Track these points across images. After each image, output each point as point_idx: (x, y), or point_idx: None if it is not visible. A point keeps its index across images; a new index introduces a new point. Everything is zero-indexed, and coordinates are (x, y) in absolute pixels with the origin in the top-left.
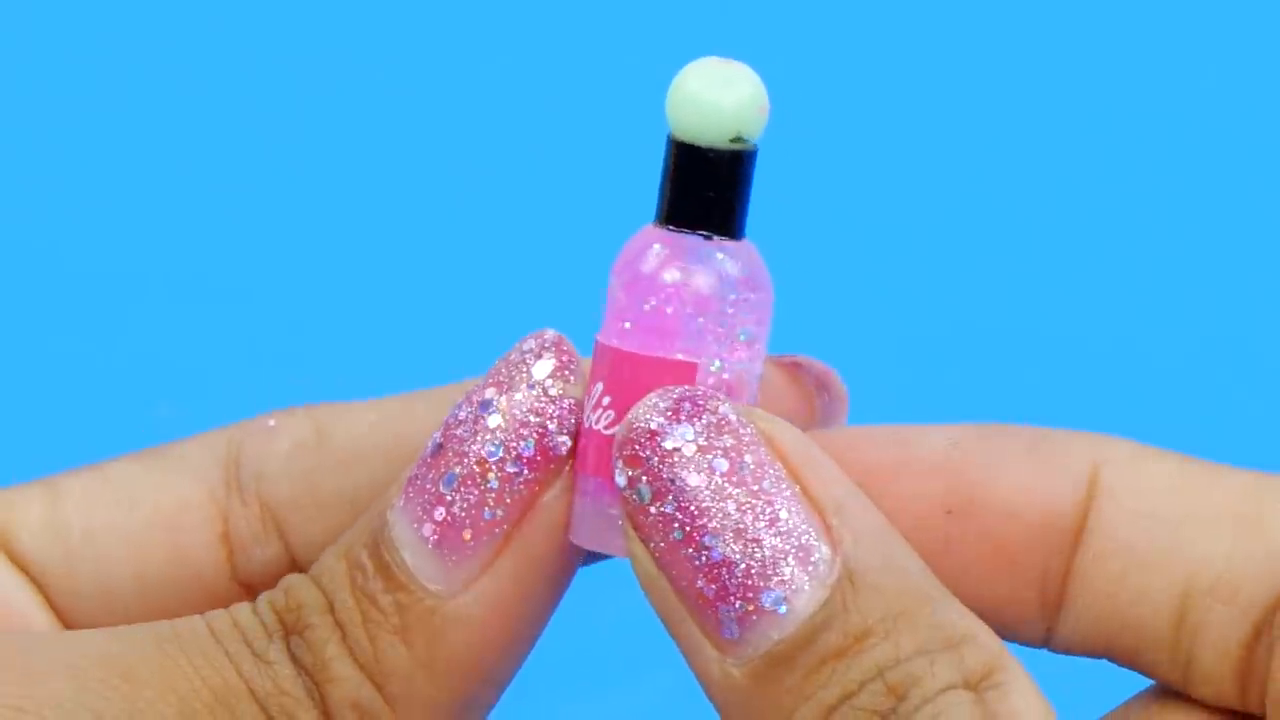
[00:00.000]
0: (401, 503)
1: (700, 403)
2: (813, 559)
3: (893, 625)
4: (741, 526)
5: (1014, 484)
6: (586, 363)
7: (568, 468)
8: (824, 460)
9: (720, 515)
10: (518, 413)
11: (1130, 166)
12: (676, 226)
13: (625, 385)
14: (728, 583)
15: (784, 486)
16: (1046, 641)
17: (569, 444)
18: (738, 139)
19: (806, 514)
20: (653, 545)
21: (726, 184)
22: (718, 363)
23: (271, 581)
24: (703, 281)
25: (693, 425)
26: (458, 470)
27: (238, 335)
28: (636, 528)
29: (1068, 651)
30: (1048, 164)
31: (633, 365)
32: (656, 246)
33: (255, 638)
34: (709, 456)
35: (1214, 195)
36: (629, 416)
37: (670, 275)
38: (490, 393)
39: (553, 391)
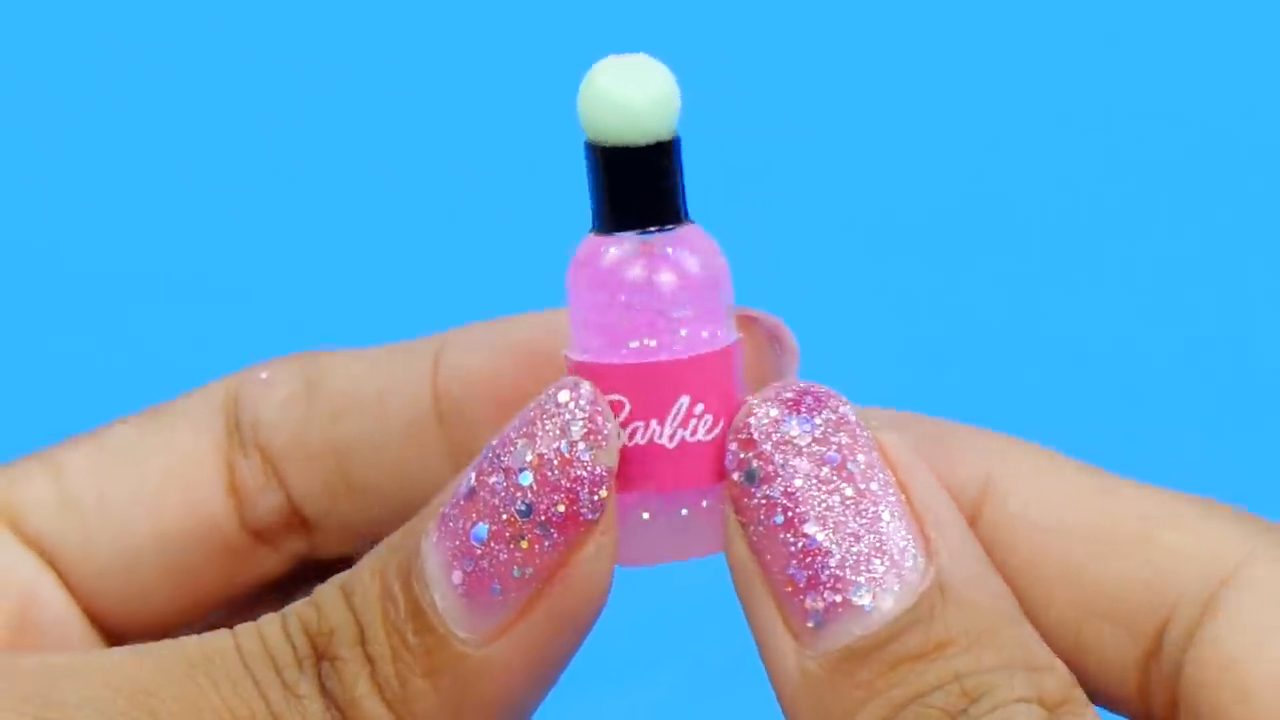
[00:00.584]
0: (435, 539)
1: (822, 399)
2: (907, 564)
3: (975, 640)
4: (843, 520)
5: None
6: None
7: (602, 529)
8: (929, 475)
9: (824, 505)
10: (550, 474)
11: (1125, 170)
12: (637, 229)
13: (717, 385)
14: (820, 572)
15: (890, 491)
16: None
17: (600, 511)
18: (656, 137)
19: (908, 521)
20: (752, 529)
21: (664, 177)
22: (735, 332)
23: (280, 531)
24: (705, 267)
25: (812, 418)
26: (488, 526)
27: (232, 337)
28: (739, 509)
29: None
30: (1039, 166)
31: (711, 364)
32: (612, 249)
33: (285, 665)
34: (823, 449)
35: (1207, 199)
36: (751, 402)
37: (668, 279)
38: (523, 444)
39: (585, 457)
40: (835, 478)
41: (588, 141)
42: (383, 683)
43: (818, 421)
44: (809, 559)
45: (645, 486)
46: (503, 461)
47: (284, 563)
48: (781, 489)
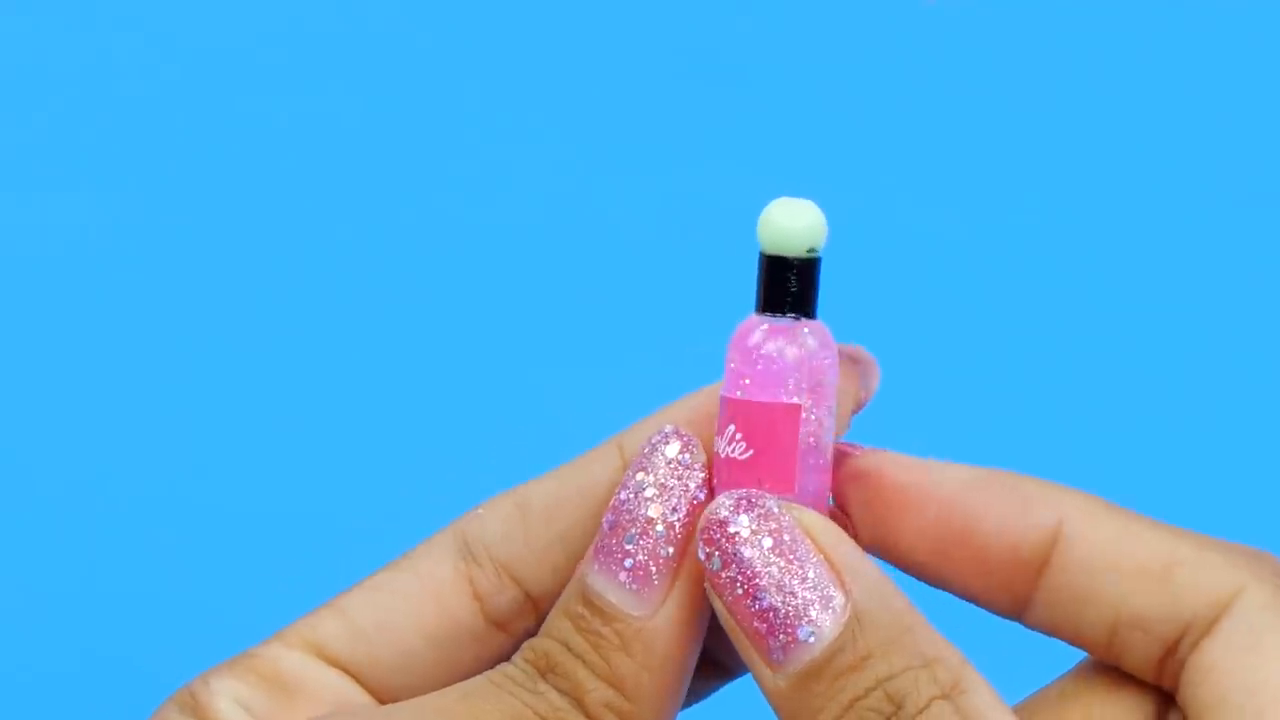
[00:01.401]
0: (596, 567)
1: (753, 500)
2: (831, 605)
3: (885, 649)
4: (782, 583)
5: (998, 524)
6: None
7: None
8: (840, 535)
9: (767, 576)
10: (665, 482)
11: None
12: (772, 313)
13: (753, 423)
14: (774, 623)
15: (811, 555)
16: (1019, 619)
17: (705, 494)
18: (810, 251)
19: (827, 574)
20: (724, 598)
21: (804, 282)
22: (809, 402)
23: (516, 617)
24: (793, 351)
25: (748, 515)
26: (634, 530)
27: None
28: (712, 586)
29: (1034, 629)
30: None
31: (756, 409)
32: (763, 327)
33: (525, 681)
34: (759, 536)
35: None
36: (707, 510)
37: (772, 347)
38: (640, 476)
39: (684, 461)
40: (771, 555)
41: (761, 252)
42: (594, 665)
43: (752, 516)
44: (765, 614)
45: (719, 483)
46: (630, 491)
47: (516, 640)
48: (736, 570)
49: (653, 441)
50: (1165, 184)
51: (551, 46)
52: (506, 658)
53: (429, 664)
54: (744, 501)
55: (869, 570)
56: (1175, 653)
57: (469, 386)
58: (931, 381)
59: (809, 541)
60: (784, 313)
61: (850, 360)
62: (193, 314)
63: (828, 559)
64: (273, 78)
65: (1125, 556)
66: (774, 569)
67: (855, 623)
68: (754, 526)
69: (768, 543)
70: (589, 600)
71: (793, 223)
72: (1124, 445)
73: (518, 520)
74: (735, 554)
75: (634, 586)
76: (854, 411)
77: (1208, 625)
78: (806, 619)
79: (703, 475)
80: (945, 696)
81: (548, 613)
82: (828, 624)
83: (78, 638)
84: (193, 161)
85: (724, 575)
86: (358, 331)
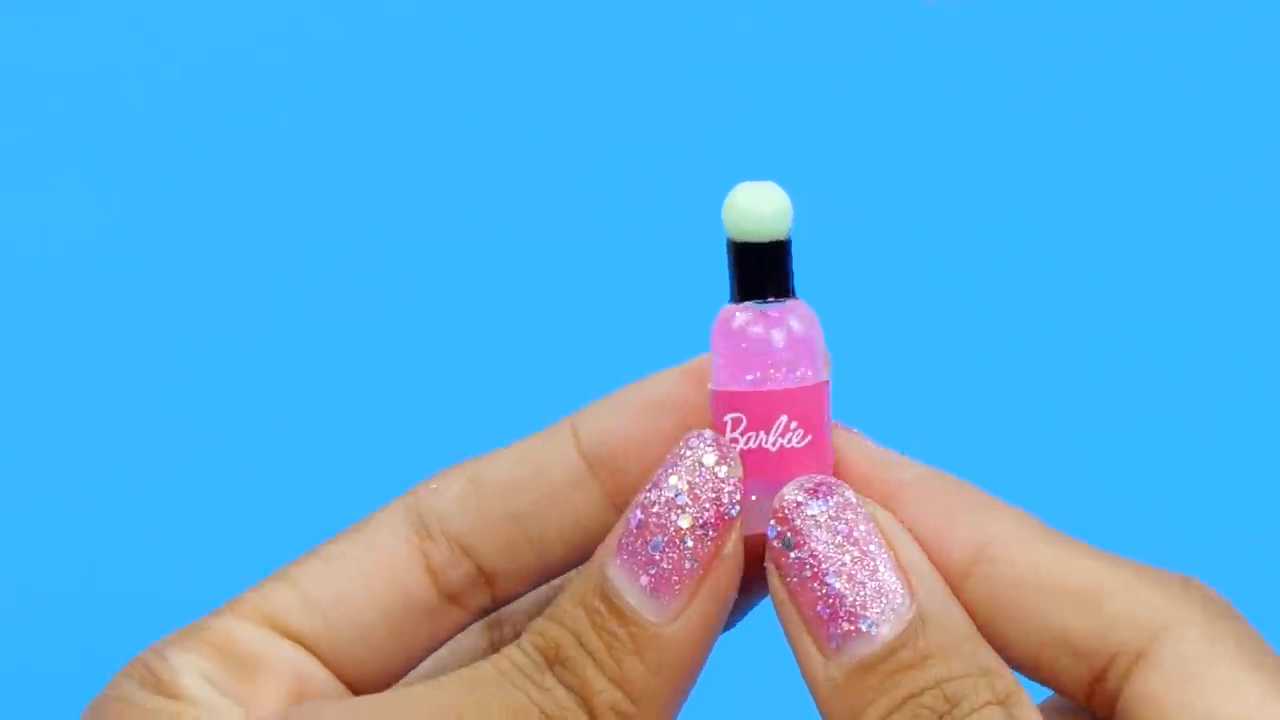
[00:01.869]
0: (619, 562)
1: (833, 487)
2: (897, 602)
3: (947, 653)
4: (852, 572)
5: (924, 530)
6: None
7: (739, 524)
8: (908, 536)
9: (838, 563)
10: (699, 493)
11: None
12: (755, 300)
13: (807, 409)
14: (838, 609)
15: (882, 550)
16: None
17: (738, 510)
18: (776, 235)
19: (896, 571)
20: (789, 579)
21: (780, 263)
22: (825, 376)
23: (470, 592)
24: (800, 329)
25: (826, 501)
26: (661, 539)
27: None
28: (779, 566)
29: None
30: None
31: (805, 394)
32: (749, 314)
33: (532, 672)
34: (836, 523)
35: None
36: (783, 491)
37: (779, 334)
38: (674, 480)
39: (720, 474)
40: (845, 543)
41: (729, 239)
42: (604, 666)
43: (831, 503)
44: (830, 600)
45: (755, 477)
46: (662, 494)
47: (472, 615)
48: (808, 552)
49: (689, 443)
50: (1156, 182)
51: (541, 44)
52: (461, 630)
53: (383, 637)
54: (824, 486)
55: (934, 575)
56: (1104, 680)
57: (451, 380)
58: (922, 377)
59: (881, 536)
60: (766, 298)
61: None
62: (184, 311)
63: (896, 557)
64: (262, 77)
65: (1056, 578)
66: (846, 557)
67: (919, 622)
68: (832, 513)
69: (843, 530)
70: (607, 596)
71: (759, 206)
72: (1108, 442)
73: (471, 495)
74: (809, 535)
75: (655, 593)
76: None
77: (1138, 654)
78: (872, 610)
79: (737, 491)
80: (1000, 703)
81: (503, 589)
82: (891, 619)
83: (78, 636)
84: (189, 161)
85: (793, 556)
86: (340, 326)
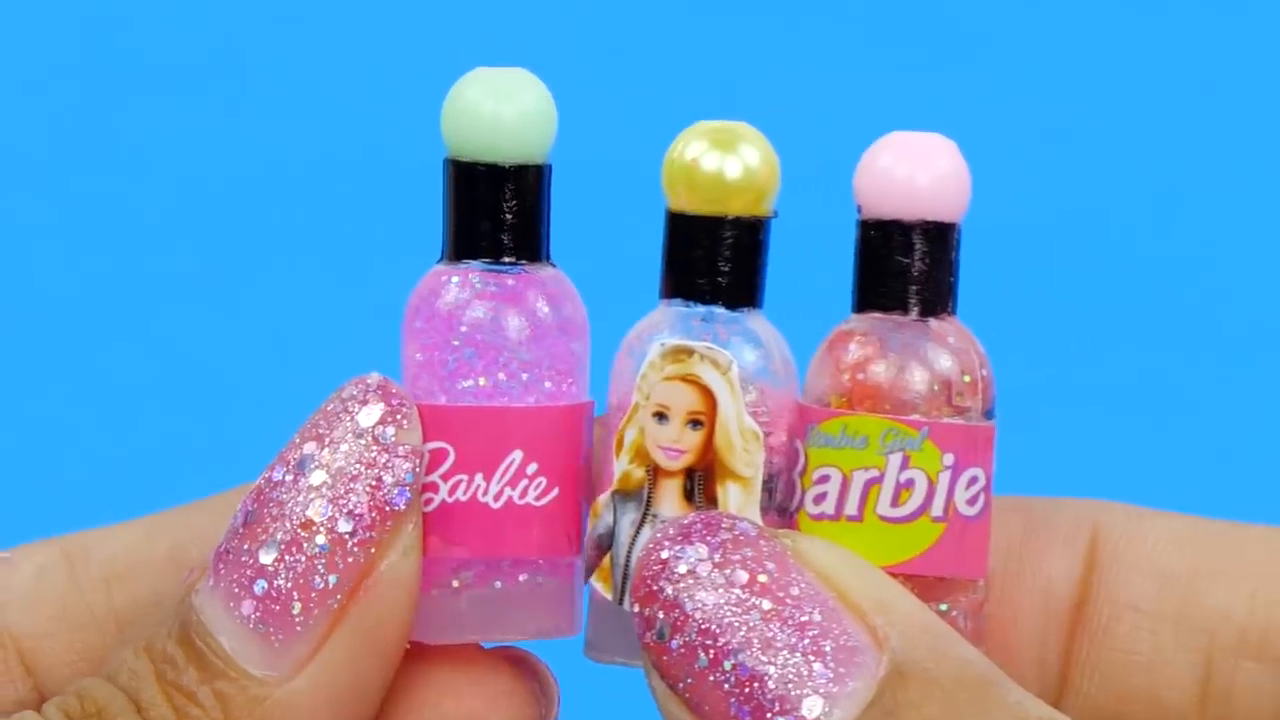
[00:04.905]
0: (211, 583)
1: (713, 522)
2: (856, 659)
3: (958, 714)
4: (768, 635)
5: (1006, 555)
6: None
7: (411, 526)
8: (863, 565)
9: (744, 628)
10: (344, 464)
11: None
12: (488, 260)
13: (551, 443)
14: (761, 700)
15: (816, 591)
16: None
17: (409, 498)
18: (524, 159)
19: (845, 617)
20: (682, 686)
21: (531, 203)
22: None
23: (36, 704)
24: (548, 313)
25: (706, 543)
26: (279, 536)
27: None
28: (663, 672)
29: None
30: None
31: (553, 420)
32: (464, 286)
33: None
34: (726, 571)
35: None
36: (640, 556)
37: (515, 321)
38: (310, 448)
39: (384, 439)
40: (748, 595)
41: (446, 158)
42: None
43: (714, 544)
44: (746, 689)
45: (460, 549)
46: (286, 469)
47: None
48: (695, 629)
49: (341, 396)
50: (1148, 179)
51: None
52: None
53: None
54: (699, 525)
55: (910, 606)
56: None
57: None
58: None
59: (813, 575)
60: (501, 258)
61: (533, 677)
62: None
63: (845, 597)
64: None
65: (1207, 556)
66: (754, 615)
67: (897, 679)
68: (718, 558)
69: (741, 577)
70: (188, 637)
71: (499, 107)
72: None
73: (61, 575)
74: (691, 604)
75: (264, 627)
76: None
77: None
78: (812, 682)
79: (410, 467)
80: None
81: None
82: (850, 685)
83: None
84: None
85: (675, 648)
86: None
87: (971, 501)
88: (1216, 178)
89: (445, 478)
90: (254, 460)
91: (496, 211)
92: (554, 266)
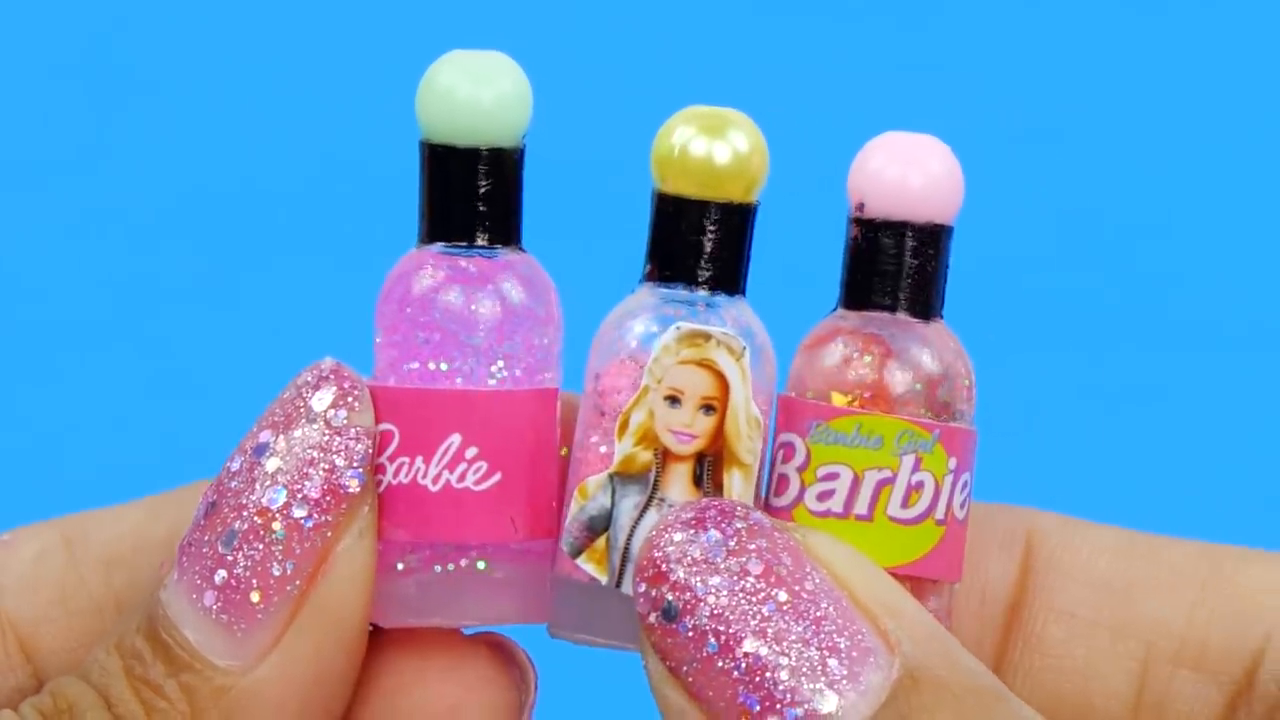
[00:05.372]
0: (176, 576)
1: (728, 510)
2: (870, 659)
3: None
4: (783, 627)
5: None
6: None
7: (366, 508)
8: (871, 566)
9: (758, 617)
10: (299, 450)
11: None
12: (459, 245)
13: (504, 431)
14: (774, 689)
15: (829, 588)
16: None
17: (362, 479)
18: (496, 142)
19: (857, 616)
20: (685, 669)
21: (498, 188)
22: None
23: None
24: (524, 300)
25: (721, 530)
26: (237, 525)
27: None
28: (664, 654)
29: None
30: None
31: (497, 404)
32: (434, 271)
33: None
34: (742, 559)
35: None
36: (649, 536)
37: (487, 305)
38: (265, 435)
39: (336, 422)
40: (763, 585)
41: (422, 140)
42: None
43: (729, 532)
44: (757, 678)
45: (401, 532)
46: (244, 458)
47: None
48: (707, 613)
49: (296, 383)
50: (1143, 179)
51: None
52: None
53: None
54: (713, 511)
55: (920, 614)
56: (1248, 693)
57: None
58: None
59: (826, 573)
60: (473, 242)
61: (511, 662)
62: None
63: (856, 598)
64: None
65: (1145, 567)
66: (769, 605)
67: (910, 684)
68: (733, 545)
69: (756, 567)
70: (155, 631)
71: (475, 90)
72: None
73: (60, 559)
74: (704, 589)
75: (223, 617)
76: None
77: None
78: (827, 677)
79: (364, 449)
80: None
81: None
82: (863, 686)
83: None
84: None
85: (684, 631)
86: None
87: (963, 505)
88: (1187, 183)
89: (391, 459)
90: None
91: (471, 195)
92: (525, 251)
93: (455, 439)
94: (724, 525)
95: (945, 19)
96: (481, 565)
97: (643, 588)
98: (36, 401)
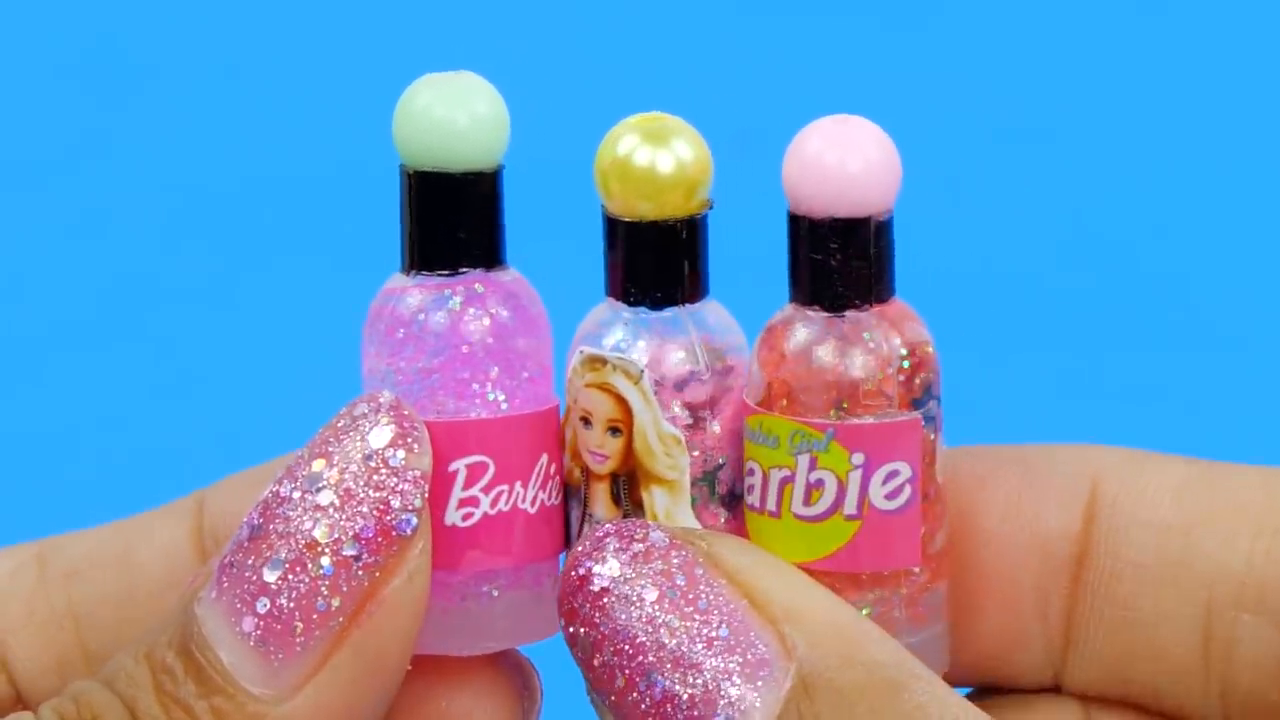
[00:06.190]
0: (214, 595)
1: (625, 533)
2: (762, 673)
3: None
4: (679, 654)
5: (1004, 511)
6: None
7: (418, 549)
8: (773, 564)
9: (655, 648)
10: (352, 486)
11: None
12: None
13: (557, 442)
14: (675, 718)
15: (725, 602)
16: (1058, 684)
17: (414, 524)
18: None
19: (756, 626)
20: (609, 700)
21: (482, 212)
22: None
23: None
24: (534, 317)
25: (618, 559)
26: (284, 554)
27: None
28: (592, 686)
29: (1083, 695)
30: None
31: (555, 420)
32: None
33: None
34: (635, 588)
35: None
36: (562, 571)
37: (475, 324)
38: (318, 465)
39: (394, 463)
40: (657, 612)
41: (401, 166)
42: None
43: (624, 560)
44: (661, 710)
45: (500, 559)
46: (295, 485)
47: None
48: (611, 649)
49: (353, 413)
50: (1141, 177)
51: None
52: None
53: None
54: (611, 539)
55: (821, 609)
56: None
57: None
58: None
59: (725, 582)
60: (459, 268)
61: (518, 676)
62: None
63: (755, 603)
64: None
65: (1203, 506)
66: (663, 633)
67: (802, 691)
68: (629, 573)
69: (650, 595)
70: (188, 648)
71: (452, 113)
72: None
73: (31, 573)
74: (606, 624)
75: (261, 645)
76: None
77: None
78: (724, 702)
79: (421, 493)
80: None
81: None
82: (759, 704)
83: None
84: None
85: (598, 664)
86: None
87: (892, 495)
88: (1176, 181)
89: (486, 490)
90: (250, 459)
91: (456, 220)
92: (512, 270)
93: (544, 458)
94: (621, 552)
95: (945, 19)
96: (549, 580)
97: (562, 623)
98: (37, 402)
